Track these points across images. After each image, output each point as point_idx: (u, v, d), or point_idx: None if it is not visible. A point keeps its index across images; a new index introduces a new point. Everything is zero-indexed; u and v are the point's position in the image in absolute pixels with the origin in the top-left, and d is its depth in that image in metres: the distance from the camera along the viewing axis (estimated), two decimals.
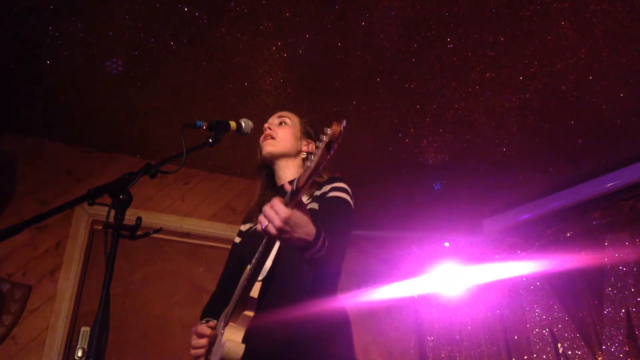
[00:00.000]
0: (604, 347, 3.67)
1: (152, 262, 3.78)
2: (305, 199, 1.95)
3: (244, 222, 2.22)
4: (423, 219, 4.61)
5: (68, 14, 2.72)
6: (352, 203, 1.90)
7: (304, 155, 2.13)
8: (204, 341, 1.85)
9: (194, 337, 1.89)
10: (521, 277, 4.29)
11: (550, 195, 4.18)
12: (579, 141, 3.63)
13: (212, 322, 1.91)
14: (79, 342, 3.33)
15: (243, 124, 2.00)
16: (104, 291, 1.32)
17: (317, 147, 1.33)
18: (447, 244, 4.65)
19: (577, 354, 3.81)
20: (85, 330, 3.36)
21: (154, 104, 3.40)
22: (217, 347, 1.72)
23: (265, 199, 2.12)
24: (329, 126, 1.29)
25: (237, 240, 2.19)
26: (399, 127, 3.58)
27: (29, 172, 3.59)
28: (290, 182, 1.43)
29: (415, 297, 4.81)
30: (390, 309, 4.61)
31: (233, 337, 1.63)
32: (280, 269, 1.79)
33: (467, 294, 4.54)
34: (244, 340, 1.63)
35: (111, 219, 1.43)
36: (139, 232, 1.44)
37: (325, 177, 2.01)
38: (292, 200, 1.41)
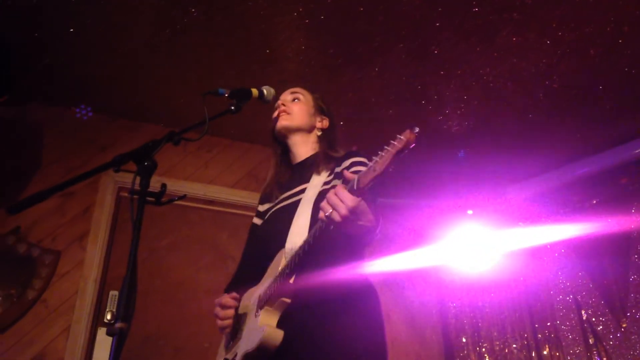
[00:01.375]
0: (628, 314, 3.65)
1: (177, 229, 3.84)
2: (325, 175, 1.94)
3: (261, 202, 2.20)
4: (446, 186, 4.59)
5: None
6: None
7: (318, 132, 2.13)
8: (230, 312, 1.87)
9: (218, 308, 1.91)
10: (545, 244, 4.26)
11: (576, 161, 4.12)
12: (607, 106, 3.55)
13: (235, 294, 1.92)
14: (108, 306, 3.42)
15: (265, 92, 2.00)
16: (131, 256, 1.34)
17: (385, 151, 1.33)
18: (470, 212, 4.63)
19: (602, 320, 3.80)
20: (113, 294, 3.45)
21: (175, 72, 3.41)
22: (251, 329, 1.73)
23: (280, 177, 2.13)
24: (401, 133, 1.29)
25: (257, 221, 2.17)
26: (422, 93, 3.54)
27: (55, 141, 3.64)
28: (354, 172, 1.44)
29: (438, 264, 4.81)
30: (413, 276, 4.63)
31: (270, 321, 1.65)
32: (314, 251, 1.77)
33: (490, 262, 4.53)
34: (279, 324, 1.65)
35: (136, 186, 1.45)
36: (163, 199, 1.46)
37: (342, 152, 2.01)
38: (357, 192, 1.41)
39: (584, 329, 3.89)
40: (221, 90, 1.85)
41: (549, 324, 4.13)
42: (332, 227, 1.49)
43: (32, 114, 3.65)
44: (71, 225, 3.46)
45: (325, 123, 2.17)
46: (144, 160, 1.49)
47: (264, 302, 1.69)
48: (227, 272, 3.82)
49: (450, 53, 3.18)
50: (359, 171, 1.43)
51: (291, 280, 1.63)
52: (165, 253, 3.75)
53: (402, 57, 3.24)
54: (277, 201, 2.06)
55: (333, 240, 1.70)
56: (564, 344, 3.95)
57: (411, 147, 1.29)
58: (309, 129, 2.14)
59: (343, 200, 1.42)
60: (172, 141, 1.62)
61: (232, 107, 1.84)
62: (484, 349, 4.45)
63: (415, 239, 4.79)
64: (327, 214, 1.45)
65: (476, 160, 4.28)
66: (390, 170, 1.34)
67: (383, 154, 1.34)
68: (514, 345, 4.28)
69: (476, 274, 4.59)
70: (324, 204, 1.47)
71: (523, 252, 4.37)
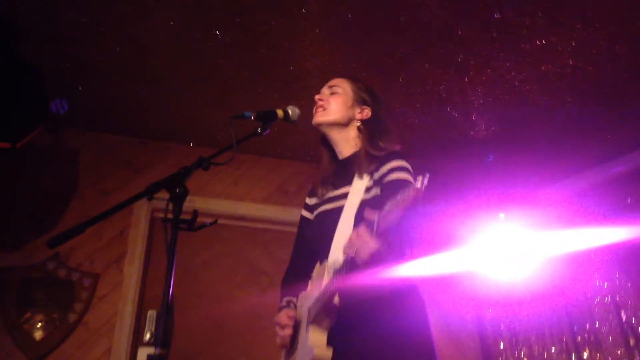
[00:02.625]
0: None
1: (210, 246, 3.89)
2: (367, 179, 1.94)
3: (309, 195, 2.23)
4: (477, 192, 4.56)
5: (113, 5, 2.79)
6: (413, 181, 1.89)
7: (359, 123, 2.09)
8: (288, 331, 1.91)
9: (277, 327, 1.96)
10: (580, 246, 4.19)
11: (608, 161, 4.06)
12: (636, 105, 3.49)
13: (292, 312, 1.96)
14: (147, 326, 3.48)
15: (290, 112, 2.02)
16: (167, 282, 1.39)
17: (399, 200, 1.37)
18: (502, 216, 4.58)
19: None
20: (152, 313, 3.51)
21: (202, 92, 3.48)
22: (304, 346, 1.78)
23: (326, 174, 2.13)
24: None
25: (306, 214, 2.21)
26: (447, 101, 3.54)
27: (90, 165, 3.74)
28: (372, 212, 1.48)
29: (472, 269, 4.77)
30: (446, 282, 4.59)
31: (319, 341, 1.70)
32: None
33: (524, 266, 4.48)
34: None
35: (169, 213, 1.50)
36: (195, 225, 1.50)
37: (385, 149, 1.99)
38: (377, 235, 1.47)
39: (623, 330, 3.81)
40: (247, 114, 1.88)
41: (588, 326, 4.05)
42: (357, 264, 1.55)
43: (67, 140, 3.76)
44: (108, 247, 3.54)
45: (367, 113, 2.12)
46: (175, 188, 1.53)
47: (312, 320, 1.74)
48: (261, 287, 3.88)
49: (475, 60, 3.18)
50: (385, 204, 1.43)
51: (335, 301, 1.67)
52: (200, 271, 3.80)
53: (426, 67, 3.24)
54: (323, 199, 2.08)
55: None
56: (603, 346, 3.87)
57: (419, 199, 1.33)
58: (347, 121, 2.09)
59: (366, 242, 1.49)
60: (201, 167, 1.66)
61: (259, 130, 1.88)
62: (522, 354, 4.39)
63: (447, 244, 4.75)
64: (351, 255, 1.53)
65: (506, 164, 4.25)
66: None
67: (400, 197, 1.37)
68: (553, 349, 4.21)
69: (511, 279, 4.54)
70: (346, 245, 1.57)
71: (558, 255, 4.31)
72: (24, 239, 3.38)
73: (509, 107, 3.58)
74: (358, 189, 1.93)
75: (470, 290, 4.74)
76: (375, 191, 1.89)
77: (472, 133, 3.85)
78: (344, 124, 2.10)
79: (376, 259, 1.53)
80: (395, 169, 1.88)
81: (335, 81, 2.20)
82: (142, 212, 3.69)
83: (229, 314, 3.70)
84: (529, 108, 3.58)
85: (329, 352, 1.67)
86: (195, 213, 1.50)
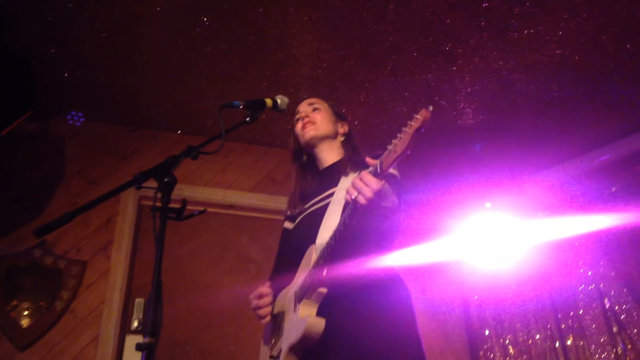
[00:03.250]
0: None
1: (198, 235, 3.88)
2: (352, 177, 1.97)
3: (289, 207, 2.25)
4: (464, 180, 4.58)
5: None
6: (398, 176, 1.96)
7: (342, 137, 2.21)
8: (267, 299, 1.95)
9: (255, 300, 1.99)
10: (566, 234, 4.24)
11: (594, 150, 4.08)
12: (622, 93, 3.52)
13: (269, 283, 2.00)
14: (134, 313, 3.48)
15: (279, 101, 2.03)
16: (156, 270, 1.39)
17: (403, 132, 1.40)
18: (488, 205, 4.62)
19: (625, 308, 3.77)
20: (139, 301, 3.51)
21: (190, 80, 3.46)
22: (293, 322, 1.78)
23: (305, 187, 2.17)
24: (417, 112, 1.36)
25: (288, 225, 2.22)
26: (435, 89, 3.55)
27: (77, 153, 3.72)
28: (375, 157, 1.51)
29: (458, 257, 4.81)
30: (433, 270, 4.63)
31: (310, 312, 1.71)
32: (345, 243, 1.79)
33: (511, 254, 4.52)
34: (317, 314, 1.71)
35: (157, 202, 1.49)
36: (184, 214, 1.50)
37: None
38: (381, 174, 1.48)
39: (607, 317, 3.87)
40: (236, 103, 1.88)
41: (572, 313, 4.11)
42: (359, 210, 1.55)
43: (54, 127, 3.73)
44: (95, 235, 3.53)
45: (346, 128, 2.26)
46: (164, 177, 1.53)
47: (302, 296, 1.75)
48: (248, 276, 3.88)
49: (463, 48, 3.18)
50: (380, 155, 1.48)
51: (324, 272, 1.69)
52: (188, 259, 3.80)
53: (414, 55, 3.25)
54: (307, 206, 2.10)
55: (363, 230, 1.74)
56: (587, 333, 3.93)
57: (427, 124, 1.35)
58: (334, 135, 2.20)
59: (368, 184, 1.49)
60: (190, 156, 1.65)
61: (247, 119, 1.87)
62: (507, 341, 4.45)
63: (433, 232, 4.79)
64: (353, 197, 1.51)
65: (493, 153, 4.28)
66: (409, 151, 1.40)
67: (402, 135, 1.41)
68: (538, 336, 4.27)
69: (497, 267, 4.59)
70: (349, 188, 1.54)
71: (544, 243, 4.35)
72: (9, 226, 3.36)
73: (496, 96, 3.60)
74: (345, 186, 1.95)
75: (457, 278, 4.79)
76: None
77: (459, 122, 3.87)
78: (332, 137, 2.20)
79: (381, 199, 1.53)
80: None
81: (312, 99, 2.30)
82: (129, 200, 3.67)
83: (217, 302, 3.71)
84: (516, 97, 3.61)
85: (321, 321, 1.68)
86: (185, 202, 1.50)
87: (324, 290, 1.71)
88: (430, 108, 1.36)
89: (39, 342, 3.16)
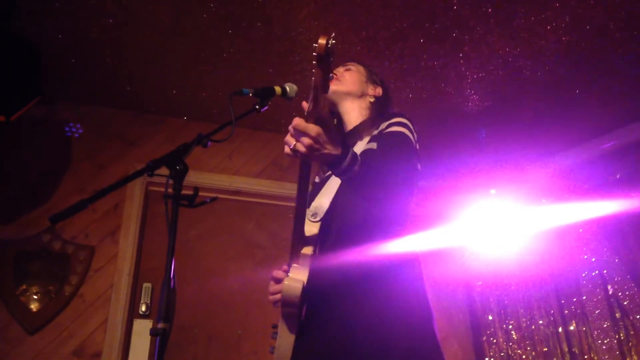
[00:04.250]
0: None
1: (205, 220, 3.91)
2: (366, 140, 1.93)
3: (317, 174, 2.21)
4: (468, 167, 4.59)
5: None
6: (411, 136, 1.83)
7: (372, 99, 2.12)
8: (280, 286, 1.86)
9: (271, 282, 1.92)
10: (570, 221, 4.25)
11: (598, 137, 4.10)
12: (629, 80, 3.52)
13: (285, 267, 1.91)
14: (142, 298, 3.52)
15: (288, 89, 2.03)
16: (169, 257, 1.41)
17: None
18: (493, 191, 4.63)
19: (628, 294, 3.80)
20: (147, 286, 3.55)
21: (197, 66, 3.46)
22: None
23: None
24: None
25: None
26: (441, 76, 3.55)
27: (84, 139, 3.73)
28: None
29: (463, 244, 4.84)
30: (437, 256, 4.66)
31: (296, 275, 1.68)
32: (339, 210, 1.79)
33: (515, 240, 4.55)
34: (309, 280, 1.68)
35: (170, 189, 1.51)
36: (196, 201, 1.52)
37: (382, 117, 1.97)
38: (310, 115, 1.41)
39: (610, 303, 3.90)
40: (245, 90, 1.88)
41: (575, 299, 4.14)
42: (304, 160, 1.50)
43: (61, 113, 3.74)
44: (103, 220, 3.56)
45: (379, 91, 2.17)
46: (175, 164, 1.54)
47: (290, 261, 1.73)
48: (255, 261, 3.92)
49: (469, 35, 3.18)
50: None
51: (310, 231, 1.66)
52: (195, 243, 3.83)
53: (421, 42, 3.24)
54: (326, 174, 2.07)
55: (355, 207, 1.73)
56: (590, 319, 3.96)
57: (327, 52, 1.27)
58: (360, 94, 2.12)
59: (303, 130, 1.41)
60: (200, 144, 1.67)
61: (257, 107, 1.88)
62: (510, 326, 4.49)
63: (438, 218, 4.81)
64: (291, 147, 1.45)
65: (498, 140, 4.28)
66: (324, 82, 1.33)
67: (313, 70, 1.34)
68: (541, 322, 4.30)
69: (501, 253, 4.61)
70: (287, 138, 1.47)
71: (548, 229, 4.37)
72: (18, 211, 3.39)
73: (502, 83, 3.60)
74: (356, 150, 1.90)
75: (461, 264, 4.82)
76: (371, 145, 1.86)
77: (465, 109, 3.87)
78: (358, 96, 2.12)
79: (319, 150, 1.43)
80: (394, 123, 1.86)
81: (349, 63, 2.24)
82: (136, 185, 3.69)
83: (224, 287, 3.75)
84: (522, 83, 3.60)
85: (297, 283, 1.64)
86: (196, 190, 1.52)
87: (307, 251, 1.68)
88: (331, 33, 1.29)
89: (49, 326, 3.20)
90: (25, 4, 2.88)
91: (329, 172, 2.00)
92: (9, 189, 3.44)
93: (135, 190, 3.68)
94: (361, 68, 2.22)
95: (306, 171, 1.59)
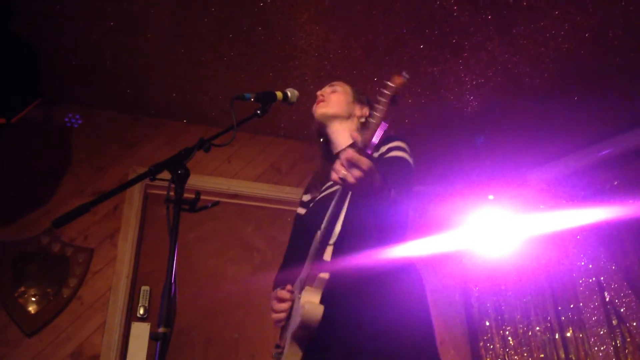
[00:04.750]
0: None
1: (203, 223, 3.91)
2: None
3: (305, 193, 2.23)
4: (467, 173, 4.61)
5: None
6: (411, 162, 1.88)
7: (361, 119, 2.12)
8: (285, 305, 1.86)
9: (274, 302, 1.90)
10: (567, 227, 4.26)
11: (596, 144, 4.10)
12: (627, 88, 3.54)
13: (290, 287, 1.90)
14: (140, 301, 3.52)
15: (289, 94, 2.04)
16: (170, 262, 1.41)
17: (379, 102, 1.34)
18: (491, 197, 4.64)
19: (625, 301, 3.81)
20: (145, 289, 3.55)
21: (197, 70, 3.47)
22: (295, 311, 1.76)
23: (325, 171, 2.09)
24: (389, 80, 1.29)
25: (301, 211, 2.19)
26: (441, 82, 3.56)
27: (84, 141, 3.74)
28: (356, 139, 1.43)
29: (460, 249, 4.84)
30: (434, 261, 4.66)
31: (311, 298, 1.66)
32: (350, 232, 1.78)
33: (512, 246, 4.55)
34: (322, 302, 1.66)
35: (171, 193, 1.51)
36: (198, 205, 1.53)
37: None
38: (362, 151, 1.40)
39: (607, 310, 3.90)
40: (247, 95, 1.90)
41: (572, 306, 4.14)
42: (348, 190, 1.49)
43: (61, 115, 3.74)
44: (102, 223, 3.56)
45: (366, 111, 2.16)
46: (177, 169, 1.55)
47: (304, 283, 1.73)
48: (253, 264, 3.92)
49: (469, 41, 3.19)
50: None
51: (326, 257, 1.66)
52: (193, 246, 3.83)
53: (421, 47, 3.25)
54: (321, 191, 2.08)
55: (365, 228, 1.73)
56: (587, 325, 3.96)
57: (402, 90, 1.29)
58: (348, 116, 2.13)
59: (354, 161, 1.38)
60: (202, 148, 1.68)
61: (258, 112, 1.89)
62: (507, 332, 4.49)
63: (436, 224, 4.81)
64: (340, 176, 1.42)
65: (497, 146, 4.29)
66: (386, 119, 1.34)
67: (378, 105, 1.34)
68: (538, 328, 4.30)
69: (498, 259, 4.62)
70: (336, 166, 1.43)
71: (545, 235, 4.38)
72: (17, 213, 3.39)
73: (501, 89, 3.61)
74: None
75: (458, 269, 4.83)
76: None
77: (464, 114, 3.88)
78: (345, 117, 2.13)
79: (366, 180, 1.41)
80: (394, 148, 1.89)
81: (335, 82, 2.25)
82: (135, 188, 3.68)
83: (222, 290, 3.75)
84: (521, 90, 3.61)
85: (320, 308, 1.63)
86: (198, 194, 1.53)
87: (325, 275, 1.67)
88: (405, 74, 1.30)
89: (47, 328, 3.20)
90: (25, 5, 2.88)
91: (327, 190, 2.03)
92: (8, 190, 3.44)
93: (135, 193, 3.68)
94: (347, 88, 2.22)
95: (343, 199, 1.58)
